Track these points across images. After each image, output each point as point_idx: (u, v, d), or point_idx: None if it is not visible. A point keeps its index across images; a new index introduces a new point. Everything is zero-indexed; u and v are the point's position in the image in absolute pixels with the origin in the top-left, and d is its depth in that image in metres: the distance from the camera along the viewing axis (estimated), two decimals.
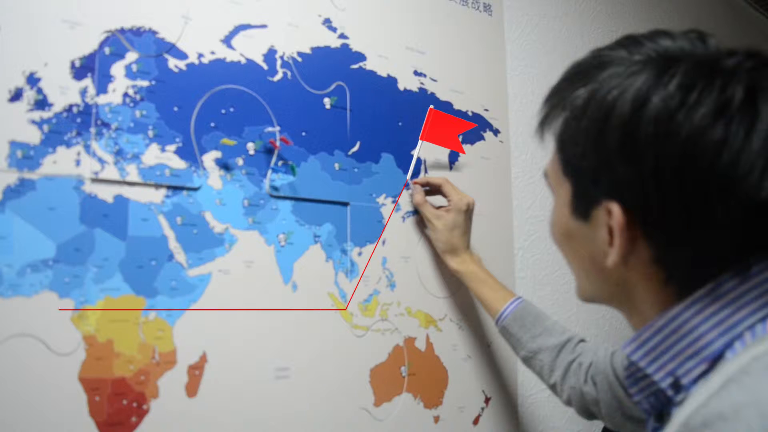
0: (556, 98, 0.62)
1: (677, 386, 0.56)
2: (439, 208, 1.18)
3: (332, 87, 1.12)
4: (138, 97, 0.91)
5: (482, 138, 1.36)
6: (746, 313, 0.53)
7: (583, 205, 0.61)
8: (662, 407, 0.61)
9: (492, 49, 1.42)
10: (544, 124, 0.64)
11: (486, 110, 1.37)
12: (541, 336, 1.08)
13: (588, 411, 1.00)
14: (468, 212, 1.16)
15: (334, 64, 1.13)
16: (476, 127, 1.35)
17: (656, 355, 0.58)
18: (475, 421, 1.26)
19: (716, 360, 0.54)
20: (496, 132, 1.39)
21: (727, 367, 0.51)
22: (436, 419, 1.20)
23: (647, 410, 0.62)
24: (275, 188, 1.03)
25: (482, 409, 1.28)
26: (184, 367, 0.91)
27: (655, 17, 1.97)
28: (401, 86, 1.22)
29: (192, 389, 0.91)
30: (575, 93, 0.59)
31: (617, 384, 0.92)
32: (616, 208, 0.56)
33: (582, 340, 1.06)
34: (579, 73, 0.61)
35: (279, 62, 1.06)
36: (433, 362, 1.21)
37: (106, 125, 0.88)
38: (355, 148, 1.14)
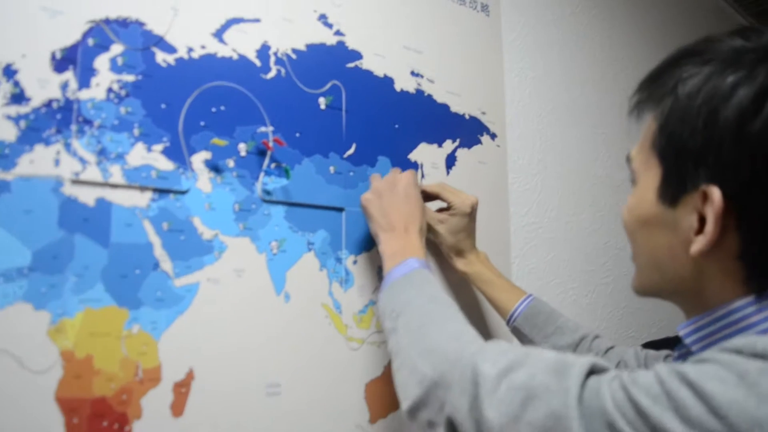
0: (665, 77, 0.62)
1: None
2: (440, 210, 1.13)
3: (327, 86, 1.07)
4: (123, 92, 0.84)
5: (479, 142, 1.31)
6: None
7: (674, 189, 0.60)
8: None
9: (489, 51, 1.37)
10: (645, 102, 0.64)
11: (483, 113, 1.32)
12: (554, 335, 1.06)
13: None
14: (472, 213, 1.11)
15: (330, 62, 1.08)
16: (473, 131, 1.30)
17: (708, 343, 0.60)
18: None
19: None
20: (493, 136, 1.34)
21: None
22: None
23: None
24: (268, 192, 0.97)
25: None
26: (169, 385, 0.84)
27: (650, 22, 1.94)
28: (398, 87, 1.17)
29: (178, 408, 0.85)
30: (689, 73, 0.59)
31: None
32: (716, 193, 0.55)
33: (597, 336, 1.05)
34: (690, 55, 0.61)
35: (273, 59, 1.00)
36: None
37: (89, 122, 0.81)
38: (351, 151, 1.08)
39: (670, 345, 1.24)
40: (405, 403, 0.73)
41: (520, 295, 1.10)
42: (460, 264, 1.13)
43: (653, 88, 0.63)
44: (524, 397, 0.55)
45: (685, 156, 0.58)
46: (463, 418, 0.60)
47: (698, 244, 0.58)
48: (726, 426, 0.44)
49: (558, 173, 1.52)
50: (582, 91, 1.64)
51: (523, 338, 1.09)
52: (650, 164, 0.63)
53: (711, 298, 0.61)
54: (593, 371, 0.54)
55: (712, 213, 0.56)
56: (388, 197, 0.98)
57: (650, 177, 0.63)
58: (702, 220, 0.57)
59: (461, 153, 1.26)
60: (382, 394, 1.07)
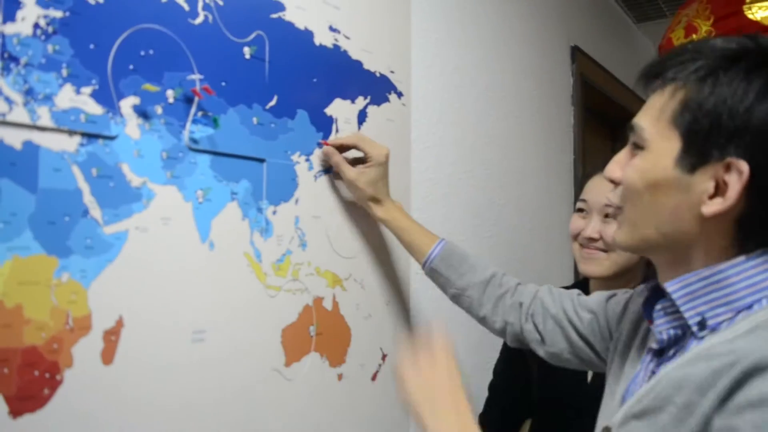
0: (691, 63, 0.70)
1: (702, 325, 0.70)
2: (355, 161, 1.18)
3: (252, 36, 1.06)
4: (50, 29, 0.80)
5: (387, 100, 1.35)
6: None
7: (695, 158, 0.69)
8: (678, 340, 0.74)
9: (399, 11, 1.41)
10: (667, 79, 0.72)
11: (392, 72, 1.37)
12: (468, 274, 1.16)
13: (522, 343, 1.12)
14: (386, 162, 1.18)
15: (255, 11, 1.07)
16: (382, 89, 1.34)
17: (693, 298, 0.71)
18: (374, 378, 1.29)
19: (741, 311, 0.69)
20: (400, 95, 1.39)
21: (754, 317, 0.67)
22: (340, 377, 1.21)
23: (663, 341, 0.75)
24: (195, 140, 0.96)
25: (380, 365, 1.31)
26: (99, 333, 0.83)
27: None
28: (317, 41, 1.18)
29: (108, 356, 0.84)
30: (724, 67, 0.68)
31: (570, 327, 1.04)
32: (745, 167, 0.66)
33: (504, 274, 1.17)
34: (716, 52, 0.71)
35: (201, 4, 0.98)
36: (338, 322, 1.21)
37: (14, 59, 0.76)
38: (273, 102, 1.09)
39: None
40: None
41: (434, 239, 1.19)
42: (378, 211, 1.20)
43: (678, 70, 0.71)
44: None
45: (718, 132, 0.67)
46: None
47: (715, 206, 0.68)
48: None
49: (455, 132, 1.60)
50: (479, 54, 1.72)
51: (440, 278, 1.19)
52: (668, 135, 0.71)
53: (697, 256, 0.72)
54: None
55: (738, 182, 0.66)
56: (429, 374, 0.88)
57: (667, 146, 0.71)
58: (717, 187, 0.68)
59: (371, 110, 1.31)
60: (296, 339, 1.12)
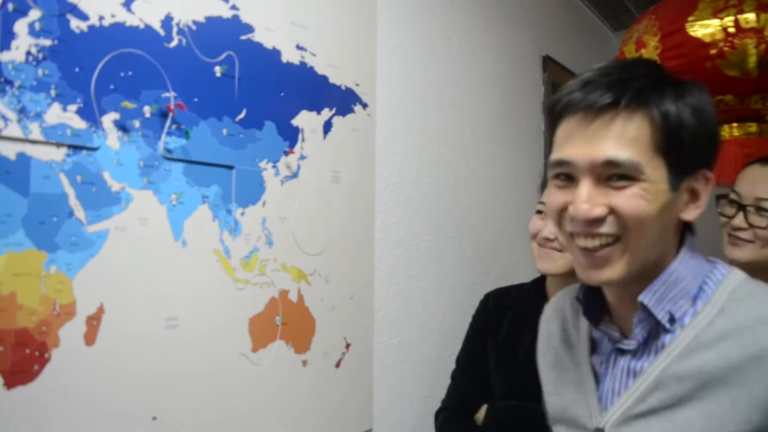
0: (643, 95, 0.76)
1: (672, 320, 0.79)
2: None
3: (223, 56, 1.19)
4: (41, 55, 0.93)
5: (352, 111, 1.48)
6: (702, 260, 0.82)
7: (678, 177, 0.77)
8: (650, 337, 0.81)
9: (365, 28, 1.53)
10: (631, 111, 0.75)
11: (357, 85, 1.49)
12: None
13: None
14: None
15: (226, 33, 1.20)
16: (348, 101, 1.47)
17: (659, 300, 0.79)
18: (338, 365, 1.42)
19: (695, 297, 0.79)
20: (365, 106, 1.52)
21: (716, 296, 0.78)
22: (305, 363, 1.34)
23: (639, 341, 0.81)
24: (169, 150, 1.09)
25: (343, 353, 1.44)
26: (83, 318, 0.97)
27: (509, 12, 2.18)
28: (284, 59, 1.31)
29: (90, 338, 0.97)
30: (667, 95, 0.77)
31: None
32: (710, 175, 0.78)
33: None
34: (651, 79, 0.78)
35: (175, 29, 1.11)
36: (303, 313, 1.34)
37: (9, 82, 0.90)
38: (242, 115, 1.22)
39: (512, 293, 1.49)
40: None
41: None
42: None
43: (636, 102, 0.75)
44: None
45: (691, 150, 0.77)
46: None
47: (694, 212, 0.80)
48: None
49: (419, 140, 1.73)
50: (444, 67, 1.85)
51: None
52: (654, 162, 0.75)
53: (660, 262, 0.80)
54: None
55: (707, 188, 0.79)
56: None
57: (658, 171, 0.75)
58: (698, 194, 0.79)
59: (337, 120, 1.43)
60: (263, 327, 1.25)
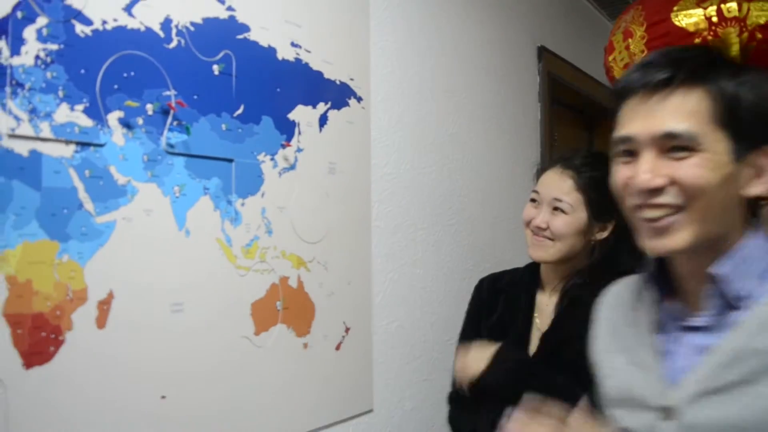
0: (703, 72, 0.79)
1: (740, 297, 0.79)
2: None
3: (220, 55, 1.25)
4: (49, 59, 1.00)
5: (347, 104, 1.54)
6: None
7: (744, 149, 0.78)
8: (721, 313, 0.81)
9: (359, 24, 1.59)
10: (690, 86, 0.79)
11: (351, 79, 1.56)
12: None
13: None
14: None
15: (222, 33, 1.26)
16: (342, 95, 1.53)
17: (731, 274, 0.80)
18: (337, 347, 1.49)
19: (763, 277, 0.80)
20: (359, 99, 1.58)
21: None
22: (305, 346, 1.41)
23: (710, 317, 0.82)
24: (171, 145, 1.16)
25: (343, 337, 1.51)
26: (94, 303, 1.04)
27: (504, 4, 2.24)
28: (280, 56, 1.37)
29: (101, 322, 1.04)
30: (736, 71, 0.80)
31: None
32: None
33: None
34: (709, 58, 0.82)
35: (174, 31, 1.17)
36: (303, 298, 1.41)
37: (21, 85, 0.96)
38: (240, 111, 1.28)
39: (505, 277, 1.52)
40: None
41: None
42: None
43: (692, 78, 0.79)
44: None
45: (753, 125, 0.78)
46: None
47: (759, 188, 0.80)
48: None
49: (414, 131, 1.79)
50: (438, 59, 1.91)
51: None
52: (715, 135, 0.77)
53: (729, 239, 0.81)
54: None
55: None
56: None
57: (719, 143, 0.78)
58: (758, 171, 0.79)
59: (332, 114, 1.50)
60: (265, 312, 1.32)
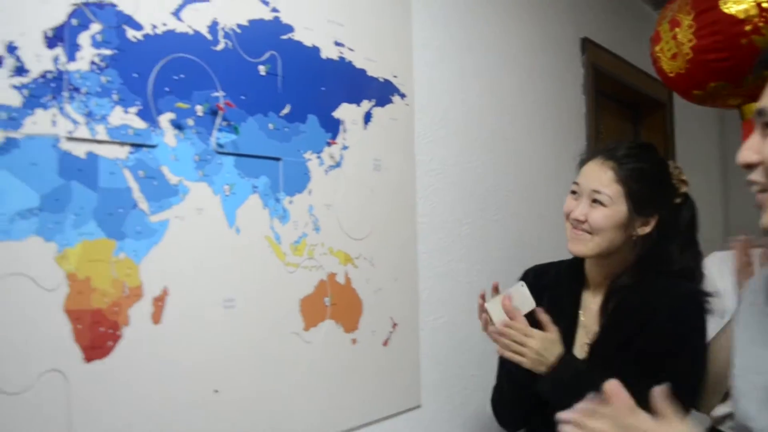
0: None
1: None
2: None
3: (266, 56, 1.28)
4: (103, 64, 1.03)
5: (391, 101, 1.56)
6: None
7: None
8: None
9: (401, 22, 1.60)
10: None
11: (395, 77, 1.57)
12: None
13: None
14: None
15: (268, 34, 1.28)
16: (386, 92, 1.54)
17: None
18: (385, 343, 1.50)
19: None
20: (403, 96, 1.59)
21: None
22: (354, 341, 1.42)
23: None
24: (220, 145, 1.18)
25: (390, 332, 1.52)
26: (149, 299, 1.07)
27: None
28: (324, 55, 1.39)
29: (156, 317, 1.08)
30: None
31: None
32: None
33: None
34: None
35: (221, 33, 1.20)
36: (350, 294, 1.42)
37: (77, 90, 1.00)
38: (286, 110, 1.31)
39: (550, 271, 1.50)
40: None
41: None
42: None
43: None
44: None
45: None
46: None
47: None
48: None
49: (458, 127, 1.79)
50: (480, 54, 1.90)
51: None
52: None
53: None
54: None
55: None
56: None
57: None
58: None
59: (376, 111, 1.51)
60: (313, 307, 1.34)
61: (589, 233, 1.34)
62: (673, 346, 1.27)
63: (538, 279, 1.50)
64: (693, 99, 2.01)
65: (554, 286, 1.46)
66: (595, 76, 2.61)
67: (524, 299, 1.34)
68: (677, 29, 1.81)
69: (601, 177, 1.34)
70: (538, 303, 1.41)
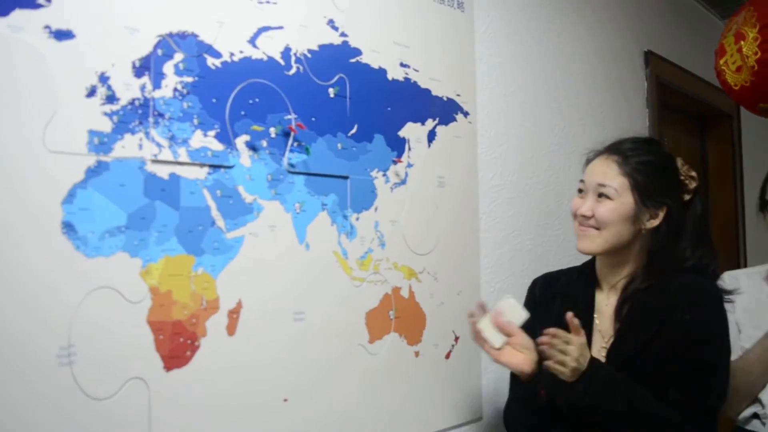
0: None
1: None
2: None
3: (335, 78, 1.33)
4: (185, 91, 1.10)
5: (454, 119, 1.59)
6: None
7: None
8: None
9: (464, 42, 1.64)
10: None
11: (458, 95, 1.60)
12: None
13: None
14: None
15: (337, 58, 1.34)
16: (450, 110, 1.58)
17: None
18: (447, 356, 1.53)
19: None
20: (466, 114, 1.62)
21: None
22: (417, 354, 1.46)
23: None
24: (292, 165, 1.24)
25: (453, 345, 1.55)
26: (225, 312, 1.13)
27: (608, 13, 2.22)
28: (390, 76, 1.44)
29: (231, 329, 1.13)
30: None
31: None
32: None
33: None
34: None
35: (293, 58, 1.26)
36: (414, 307, 1.46)
37: (161, 115, 1.07)
38: (354, 131, 1.36)
39: (561, 278, 1.45)
40: None
41: None
42: None
43: None
44: None
45: None
46: None
47: None
48: None
49: (519, 143, 1.81)
50: (541, 70, 1.92)
51: None
52: None
53: None
54: None
55: None
56: None
57: None
58: None
59: (440, 129, 1.55)
60: (378, 320, 1.38)
61: (597, 228, 1.32)
62: (698, 338, 1.25)
63: (549, 287, 1.47)
64: (759, 112, 1.98)
65: (566, 291, 1.43)
66: (658, 89, 2.58)
67: (515, 311, 1.30)
68: (742, 42, 1.78)
69: (605, 171, 1.33)
70: (549, 311, 1.38)
